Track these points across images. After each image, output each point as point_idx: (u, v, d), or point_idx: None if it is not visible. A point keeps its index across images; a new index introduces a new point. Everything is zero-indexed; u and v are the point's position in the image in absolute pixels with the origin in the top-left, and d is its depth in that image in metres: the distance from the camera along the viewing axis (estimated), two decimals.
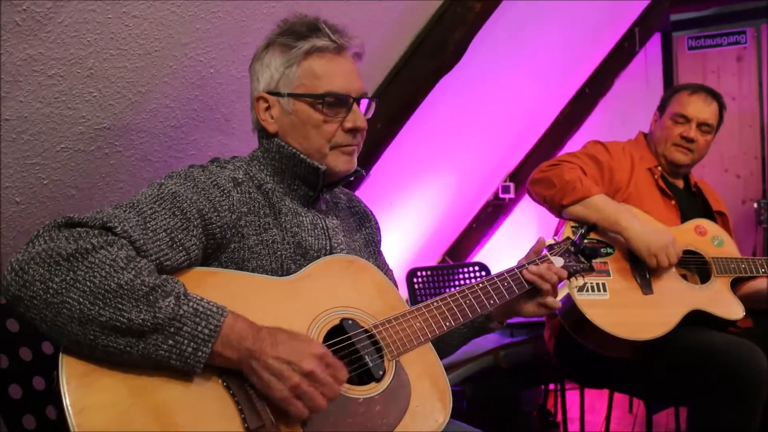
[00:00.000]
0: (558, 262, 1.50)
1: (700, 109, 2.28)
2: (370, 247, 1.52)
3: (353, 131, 1.33)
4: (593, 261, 1.57)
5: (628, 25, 4.18)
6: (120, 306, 0.98)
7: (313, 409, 1.07)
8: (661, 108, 2.38)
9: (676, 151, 2.30)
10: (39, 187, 1.68)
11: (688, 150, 2.29)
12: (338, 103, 1.31)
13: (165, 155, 1.94)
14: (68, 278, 0.98)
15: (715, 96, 2.33)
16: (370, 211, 1.58)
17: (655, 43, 4.57)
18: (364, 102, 1.36)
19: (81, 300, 0.97)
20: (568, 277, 1.51)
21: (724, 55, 4.49)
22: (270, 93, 1.33)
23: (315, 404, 1.06)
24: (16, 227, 1.70)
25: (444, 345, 1.48)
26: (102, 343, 0.98)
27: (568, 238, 1.60)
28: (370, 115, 1.38)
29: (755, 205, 4.25)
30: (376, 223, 1.57)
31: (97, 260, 1.00)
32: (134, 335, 0.99)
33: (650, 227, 2.07)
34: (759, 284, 2.26)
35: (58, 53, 1.49)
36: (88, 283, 0.98)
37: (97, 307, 0.97)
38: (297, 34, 1.31)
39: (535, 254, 1.51)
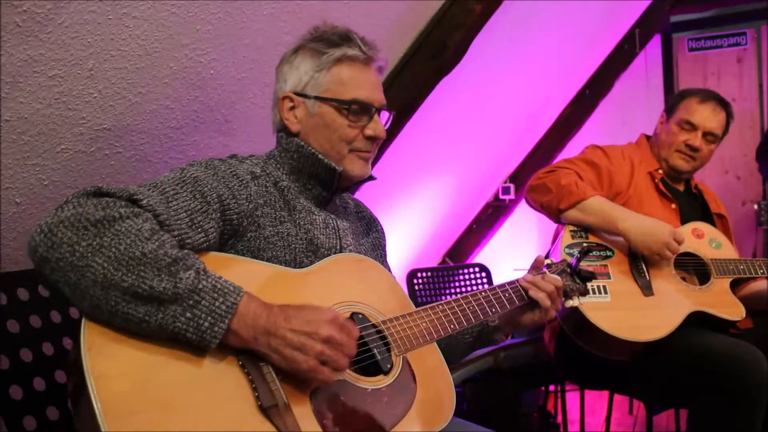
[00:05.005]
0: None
1: (708, 118, 2.24)
2: (377, 252, 1.56)
3: (372, 139, 1.40)
4: (588, 283, 1.64)
5: (628, 27, 4.19)
6: (143, 274, 1.01)
7: (339, 369, 1.12)
8: (669, 111, 2.35)
9: (679, 157, 2.27)
10: (39, 188, 1.68)
11: (691, 158, 2.27)
12: (362, 110, 1.38)
13: (165, 156, 1.94)
14: (95, 243, 1.01)
15: (724, 106, 2.29)
16: (376, 218, 1.62)
17: (655, 44, 4.57)
18: (384, 115, 1.43)
19: (105, 265, 1.00)
20: (564, 296, 1.56)
21: (724, 57, 4.50)
22: (297, 94, 1.38)
23: (340, 365, 1.11)
24: (16, 228, 1.70)
25: (449, 354, 1.51)
26: (122, 310, 1.00)
27: (564, 260, 1.67)
28: (387, 126, 1.45)
29: (755, 206, 4.25)
30: (382, 230, 1.62)
31: (123, 228, 1.03)
32: (154, 303, 1.01)
33: (648, 222, 2.06)
34: (759, 285, 2.26)
35: (58, 54, 1.49)
36: (113, 249, 1.01)
37: (120, 273, 1.00)
38: (329, 41, 1.38)
39: (535, 270, 1.56)
